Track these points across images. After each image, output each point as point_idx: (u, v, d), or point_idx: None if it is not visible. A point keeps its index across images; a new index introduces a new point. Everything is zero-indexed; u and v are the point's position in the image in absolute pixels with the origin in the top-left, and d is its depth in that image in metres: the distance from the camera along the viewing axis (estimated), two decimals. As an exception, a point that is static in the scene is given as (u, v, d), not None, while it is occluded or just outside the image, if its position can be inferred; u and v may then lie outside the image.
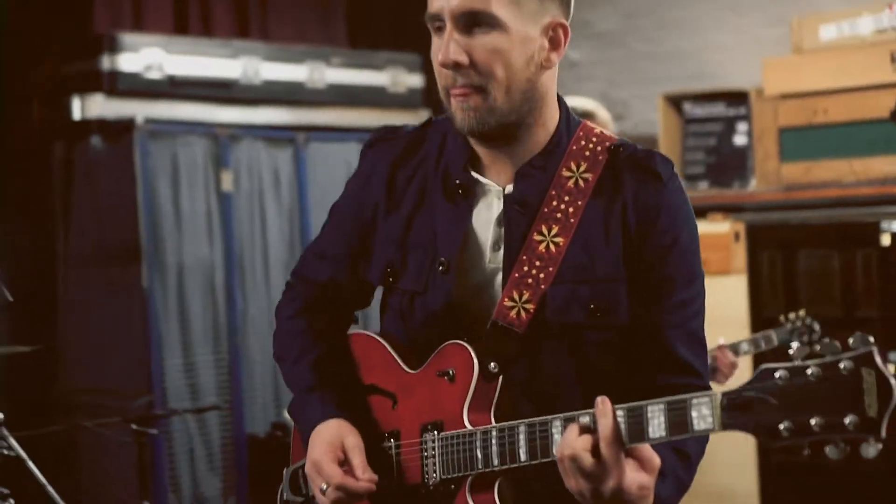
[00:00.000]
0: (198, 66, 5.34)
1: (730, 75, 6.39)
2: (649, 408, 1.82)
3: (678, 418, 1.81)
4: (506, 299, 2.08)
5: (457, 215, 2.16)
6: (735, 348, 4.34)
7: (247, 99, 5.53)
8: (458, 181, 2.17)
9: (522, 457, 1.95)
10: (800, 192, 5.73)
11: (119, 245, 5.07)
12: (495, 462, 1.99)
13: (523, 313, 2.07)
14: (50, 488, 3.56)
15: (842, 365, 1.66)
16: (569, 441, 1.85)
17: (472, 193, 2.17)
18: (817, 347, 1.68)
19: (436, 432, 2.08)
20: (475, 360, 2.05)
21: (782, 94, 5.82)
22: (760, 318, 5.74)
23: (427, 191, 2.20)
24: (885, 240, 5.41)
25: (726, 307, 5.83)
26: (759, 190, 5.87)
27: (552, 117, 2.17)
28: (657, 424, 1.81)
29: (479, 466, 2.01)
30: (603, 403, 1.84)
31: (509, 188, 2.15)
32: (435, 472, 2.06)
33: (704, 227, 5.85)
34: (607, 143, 2.18)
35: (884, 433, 1.65)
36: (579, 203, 2.11)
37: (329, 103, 5.87)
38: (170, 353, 5.22)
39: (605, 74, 7.02)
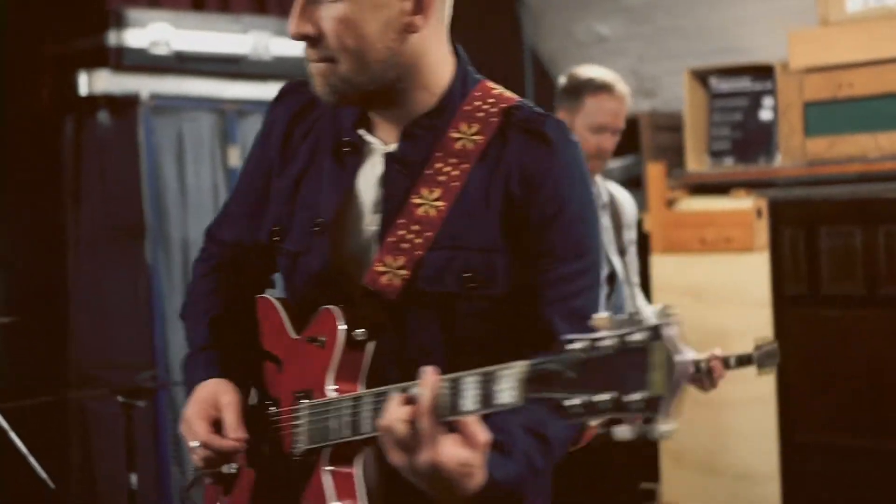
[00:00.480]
0: (206, 41, 5.33)
1: (757, 49, 6.30)
2: (465, 380, 1.74)
3: (486, 390, 1.73)
4: (378, 264, 2.01)
5: (340, 175, 2.10)
6: (726, 362, 4.33)
7: (256, 74, 5.51)
8: (345, 139, 2.11)
9: (365, 428, 1.89)
10: (823, 168, 5.67)
11: (124, 221, 5.09)
12: (346, 432, 1.93)
13: (396, 279, 2.00)
14: (31, 459, 3.58)
15: (633, 338, 1.55)
16: (388, 411, 1.79)
17: (360, 153, 2.11)
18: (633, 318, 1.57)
19: (304, 400, 2.02)
20: (340, 327, 1.99)
21: (807, 67, 5.76)
22: (782, 295, 5.69)
23: (319, 148, 2.14)
24: (909, 215, 5.32)
25: (749, 284, 5.79)
26: (784, 165, 5.79)
27: (438, 79, 2.07)
28: (470, 397, 1.72)
29: (331, 437, 1.95)
30: (427, 374, 1.77)
31: (392, 147, 2.08)
32: (300, 442, 2.01)
33: (728, 203, 5.84)
34: (503, 105, 2.08)
35: (669, 412, 1.53)
36: (464, 166, 2.02)
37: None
38: (173, 329, 5.22)
39: (635, 50, 6.95)
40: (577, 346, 1.59)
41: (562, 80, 4.42)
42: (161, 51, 5.04)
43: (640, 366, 1.53)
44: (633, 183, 6.34)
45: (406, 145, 2.06)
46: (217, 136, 5.47)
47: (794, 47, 5.80)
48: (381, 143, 2.10)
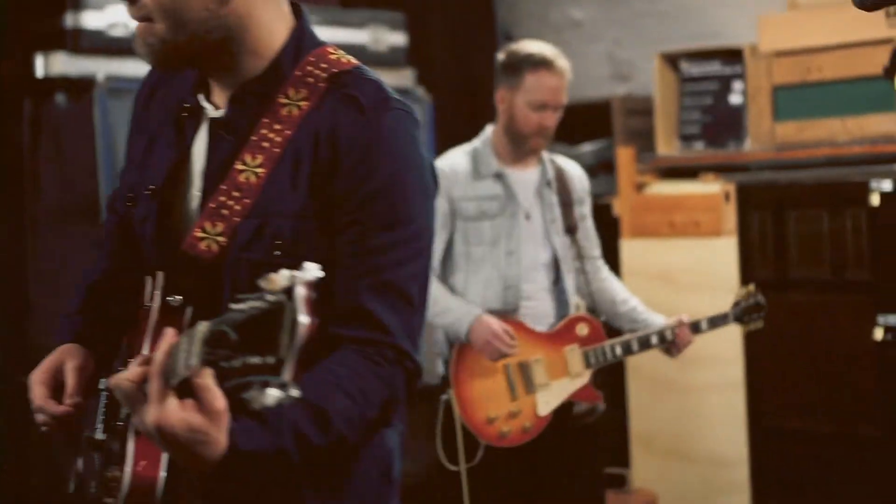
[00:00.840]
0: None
1: (731, 34, 6.29)
2: (183, 343, 1.69)
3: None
4: (198, 230, 2.00)
5: (175, 140, 2.11)
6: (696, 327, 4.43)
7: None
8: (185, 104, 2.11)
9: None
10: (792, 152, 5.66)
11: (81, 203, 5.07)
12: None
13: (214, 245, 1.99)
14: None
15: (270, 300, 1.53)
16: (126, 371, 1.78)
17: (196, 118, 2.10)
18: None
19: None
20: (156, 293, 1.99)
21: (777, 51, 5.75)
22: (751, 279, 5.65)
23: (168, 113, 2.15)
24: (875, 199, 5.32)
25: (717, 268, 5.79)
26: (753, 150, 5.79)
27: (269, 43, 2.05)
28: (182, 360, 1.67)
29: None
30: (166, 335, 1.75)
31: (219, 113, 2.08)
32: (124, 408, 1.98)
33: (696, 187, 5.83)
34: (334, 70, 2.05)
35: (287, 376, 1.51)
36: (287, 132, 2.00)
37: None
38: (129, 311, 5.21)
39: (611, 34, 6.93)
40: (239, 305, 1.56)
41: (500, 56, 4.37)
42: (119, 32, 5.01)
43: (274, 327, 1.51)
44: (605, 167, 6.33)
45: (232, 111, 2.05)
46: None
47: (764, 31, 5.81)
48: (214, 108, 2.09)
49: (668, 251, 5.94)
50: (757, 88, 5.80)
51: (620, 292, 4.58)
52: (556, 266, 4.34)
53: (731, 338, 5.72)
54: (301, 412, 1.85)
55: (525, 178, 4.35)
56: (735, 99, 6.01)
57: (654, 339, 4.37)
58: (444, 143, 6.05)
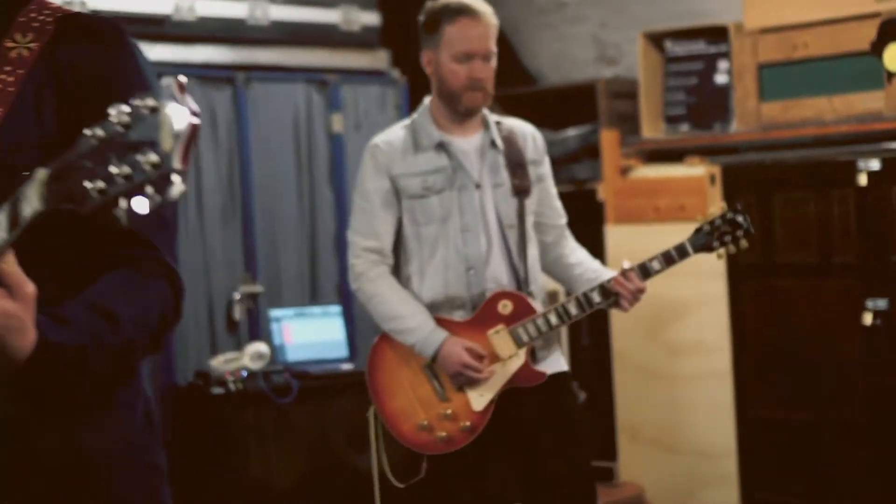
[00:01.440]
0: (125, 2, 5.18)
1: (718, 14, 6.13)
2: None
3: (13, 213, 1.62)
4: None
5: None
6: (645, 269, 3.94)
7: (180, 36, 5.35)
8: None
9: None
10: (778, 132, 5.52)
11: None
12: None
13: None
14: None
15: (141, 105, 1.49)
16: None
17: None
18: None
19: None
20: None
21: (762, 28, 5.60)
22: (737, 265, 5.54)
23: None
24: (862, 179, 5.19)
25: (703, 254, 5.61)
26: (738, 130, 5.64)
27: None
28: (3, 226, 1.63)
29: None
30: None
31: None
32: None
33: (681, 170, 5.68)
34: (59, 14, 2.08)
35: (178, 164, 1.48)
36: (20, 72, 2.01)
37: (273, 42, 5.67)
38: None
39: (597, 16, 6.78)
40: (92, 131, 1.51)
41: (420, 18, 4.08)
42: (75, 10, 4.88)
43: (150, 129, 1.48)
44: (590, 152, 6.19)
45: None
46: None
47: (749, 8, 5.68)
48: None
49: (654, 237, 5.73)
50: (742, 67, 5.66)
51: (572, 256, 4.14)
52: (512, 236, 3.97)
53: (718, 325, 5.59)
54: (91, 313, 1.87)
55: (470, 144, 3.98)
56: (720, 79, 5.87)
57: (597, 297, 3.89)
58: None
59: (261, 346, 5.24)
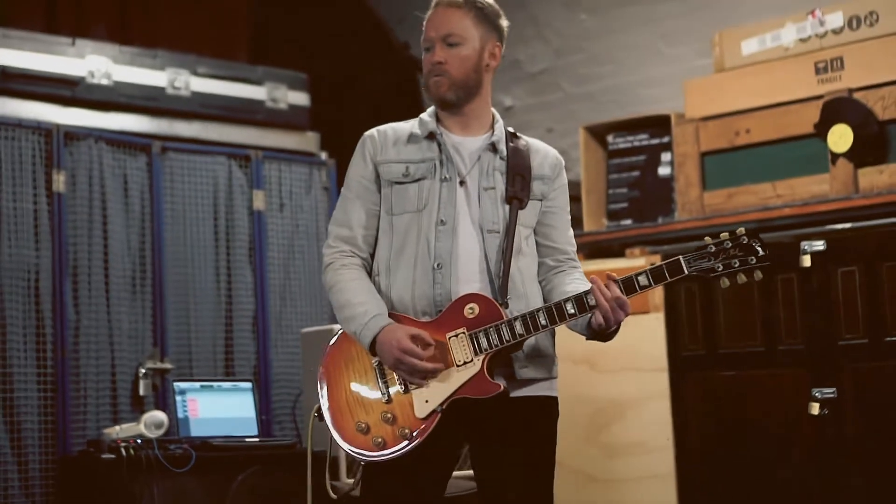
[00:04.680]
0: (37, 61, 5.09)
1: (665, 109, 6.04)
2: None
3: None
4: None
5: None
6: (630, 282, 3.57)
7: (95, 101, 5.26)
8: None
9: None
10: (722, 219, 5.39)
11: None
12: None
13: None
14: None
15: None
16: None
17: None
18: None
19: None
20: None
21: (704, 115, 5.54)
22: (679, 355, 5.36)
23: None
24: (806, 261, 5.04)
25: (645, 347, 5.48)
26: (681, 219, 5.50)
27: None
28: None
29: None
30: None
31: None
32: None
33: (622, 263, 5.51)
34: None
35: None
36: None
37: (194, 114, 5.57)
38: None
39: (543, 121, 6.71)
40: None
41: None
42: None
43: None
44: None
45: None
46: (41, 159, 5.21)
47: (691, 97, 5.66)
48: None
49: (594, 333, 5.59)
50: (684, 156, 5.59)
51: (570, 286, 3.78)
52: (494, 241, 3.72)
53: (660, 423, 5.37)
54: None
55: (467, 142, 3.80)
56: (663, 170, 5.80)
57: (570, 307, 3.57)
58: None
59: (158, 415, 5.02)
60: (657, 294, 5.43)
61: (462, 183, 3.71)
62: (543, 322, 3.54)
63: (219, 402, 5.24)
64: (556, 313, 3.56)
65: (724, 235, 3.60)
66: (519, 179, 3.73)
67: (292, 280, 5.85)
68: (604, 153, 5.98)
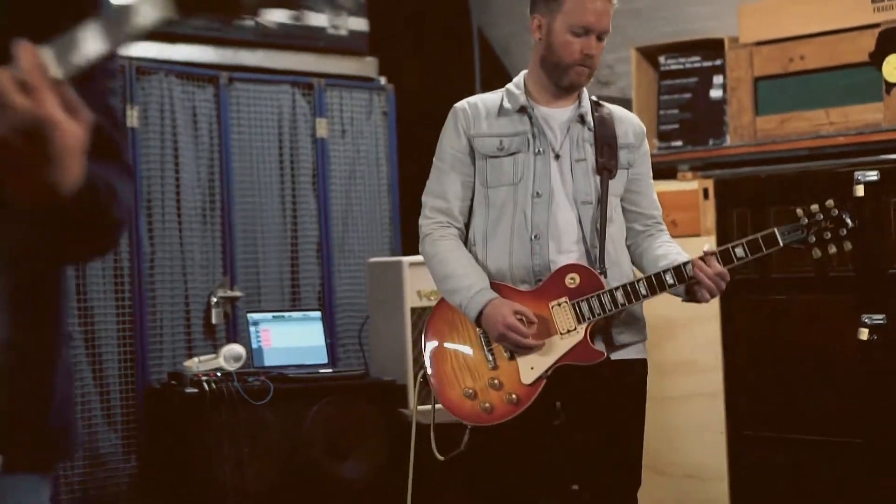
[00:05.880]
0: (108, -4, 5.16)
1: (714, 30, 6.10)
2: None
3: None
4: None
5: None
6: (728, 254, 3.76)
7: (163, 34, 5.33)
8: None
9: None
10: (774, 146, 5.47)
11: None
12: None
13: None
14: None
15: None
16: None
17: None
18: None
19: None
20: None
21: (758, 41, 5.58)
22: (730, 279, 5.46)
23: None
24: (860, 190, 5.11)
25: (696, 270, 5.55)
26: (733, 144, 5.59)
27: None
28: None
29: None
30: (22, 45, 1.58)
31: None
32: None
33: (673, 185, 5.63)
34: None
35: None
36: None
37: (258, 43, 5.65)
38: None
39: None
40: None
41: None
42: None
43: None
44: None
45: None
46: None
47: (745, 21, 5.69)
48: None
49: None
50: (737, 81, 5.65)
51: (661, 249, 3.94)
52: (588, 212, 3.86)
53: (710, 344, 5.51)
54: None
55: (556, 113, 3.91)
56: (715, 93, 5.84)
57: (669, 279, 3.75)
58: (406, 133, 5.90)
59: (237, 348, 5.19)
60: (709, 217, 5.56)
61: (557, 156, 3.84)
62: (644, 292, 3.73)
63: (290, 331, 5.43)
64: (655, 283, 3.75)
65: (815, 208, 3.78)
66: (607, 150, 3.87)
67: (354, 206, 5.99)
68: (655, 74, 6.05)
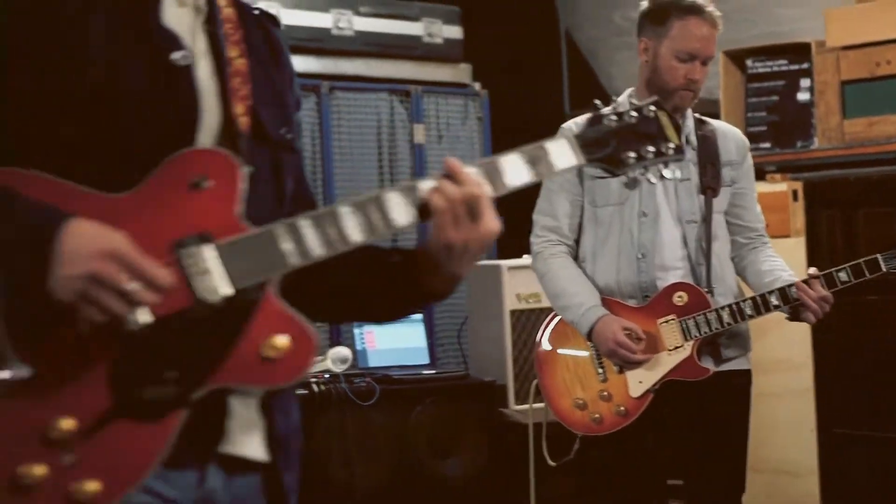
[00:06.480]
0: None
1: (798, 33, 6.20)
2: (505, 158, 2.13)
3: (536, 155, 2.11)
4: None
5: None
6: (831, 278, 3.96)
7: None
8: None
9: (317, 252, 1.94)
10: (861, 149, 5.56)
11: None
12: (294, 260, 1.93)
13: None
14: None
15: (644, 110, 2.23)
16: (447, 190, 2.01)
17: None
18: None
19: (206, 244, 1.91)
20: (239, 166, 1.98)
21: (844, 45, 5.66)
22: (820, 280, 5.57)
23: None
24: (949, 195, 5.20)
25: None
26: (821, 147, 5.68)
27: None
28: (520, 172, 2.11)
29: (276, 268, 1.93)
30: (452, 162, 2.07)
31: None
32: (214, 286, 1.90)
33: (762, 187, 5.73)
34: None
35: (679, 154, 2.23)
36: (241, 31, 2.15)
37: (358, 52, 5.82)
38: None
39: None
40: (610, 118, 2.20)
41: (644, 4, 4.13)
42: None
43: (656, 128, 2.21)
44: (669, 171, 6.26)
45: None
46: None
47: (831, 25, 5.76)
48: None
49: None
50: (824, 84, 5.74)
51: (765, 264, 4.12)
52: (693, 231, 4.01)
53: (801, 342, 5.61)
54: None
55: None
56: (802, 96, 5.93)
57: (774, 300, 3.94)
58: (500, 138, 6.04)
59: (343, 350, 5.35)
60: (798, 219, 5.66)
61: (662, 177, 3.98)
62: (749, 312, 3.89)
63: (393, 333, 5.60)
64: (761, 304, 3.90)
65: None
66: (710, 168, 4.00)
67: (451, 211, 6.10)
68: (742, 77, 6.14)
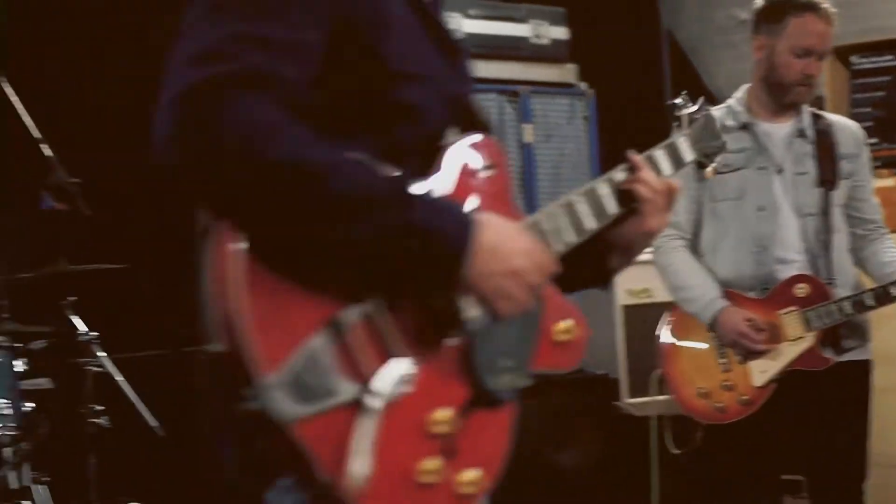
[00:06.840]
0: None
1: (901, 26, 6.22)
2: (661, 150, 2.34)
3: (674, 154, 2.36)
4: None
5: None
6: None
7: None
8: None
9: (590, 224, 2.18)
10: (970, 142, 5.56)
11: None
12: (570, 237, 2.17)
13: None
14: (140, 405, 3.66)
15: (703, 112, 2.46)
16: (650, 184, 2.20)
17: None
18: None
19: None
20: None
21: (951, 39, 5.68)
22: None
23: None
24: None
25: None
26: (928, 142, 5.72)
27: None
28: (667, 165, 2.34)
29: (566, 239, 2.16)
30: (633, 155, 2.23)
31: None
32: None
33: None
34: None
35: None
36: None
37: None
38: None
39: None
40: (697, 118, 2.43)
41: (758, 2, 4.19)
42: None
43: (713, 128, 2.44)
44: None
45: None
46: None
47: (938, 20, 5.74)
48: None
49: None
50: (931, 79, 5.74)
51: (886, 255, 4.19)
52: (811, 223, 4.09)
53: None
54: None
55: (777, 129, 4.12)
56: (909, 91, 5.96)
57: (895, 291, 4.02)
58: (607, 137, 6.13)
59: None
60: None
61: (780, 171, 4.06)
62: (870, 304, 3.97)
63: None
64: (882, 296, 3.96)
65: None
66: (827, 162, 4.08)
67: (560, 208, 6.20)
68: (847, 73, 6.17)
